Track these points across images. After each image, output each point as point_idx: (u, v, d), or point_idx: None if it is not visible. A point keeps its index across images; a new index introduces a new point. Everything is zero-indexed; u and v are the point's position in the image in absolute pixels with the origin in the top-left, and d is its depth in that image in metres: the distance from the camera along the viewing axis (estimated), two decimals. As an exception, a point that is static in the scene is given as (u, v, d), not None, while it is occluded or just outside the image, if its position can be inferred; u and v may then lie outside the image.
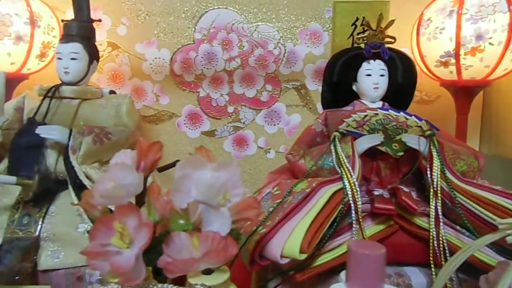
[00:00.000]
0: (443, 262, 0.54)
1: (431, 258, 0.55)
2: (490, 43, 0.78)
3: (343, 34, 0.96)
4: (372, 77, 0.70)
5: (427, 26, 0.85)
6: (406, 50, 0.80)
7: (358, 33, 0.95)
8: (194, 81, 1.03)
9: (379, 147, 0.62)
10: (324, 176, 0.61)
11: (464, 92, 0.87)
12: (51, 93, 0.73)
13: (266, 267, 0.53)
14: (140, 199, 0.42)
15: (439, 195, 0.55)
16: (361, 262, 0.38)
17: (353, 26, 0.96)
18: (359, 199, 0.55)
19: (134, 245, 0.40)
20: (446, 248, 0.54)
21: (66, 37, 0.77)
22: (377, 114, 0.63)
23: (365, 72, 0.71)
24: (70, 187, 0.63)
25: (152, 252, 0.41)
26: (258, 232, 0.52)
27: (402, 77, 0.73)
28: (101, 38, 0.99)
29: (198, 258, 0.39)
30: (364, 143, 0.62)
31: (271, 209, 0.55)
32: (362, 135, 0.64)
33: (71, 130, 0.67)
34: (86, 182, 0.62)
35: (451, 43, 0.80)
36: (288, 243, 0.48)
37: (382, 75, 0.71)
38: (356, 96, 0.75)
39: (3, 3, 0.81)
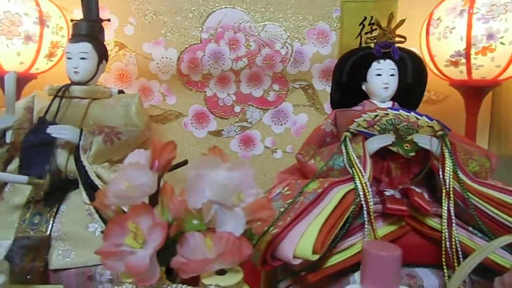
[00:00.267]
0: (455, 264, 0.53)
1: (443, 260, 0.54)
2: (501, 43, 0.78)
3: (351, 33, 0.96)
4: (382, 77, 0.70)
5: (437, 26, 0.84)
6: (414, 50, 0.79)
7: (366, 33, 0.94)
8: (201, 80, 1.03)
9: (390, 148, 0.62)
10: (334, 177, 0.60)
11: (474, 92, 0.86)
12: (61, 93, 0.73)
13: (276, 267, 0.53)
14: (154, 199, 0.42)
15: (451, 196, 0.55)
16: (376, 263, 0.38)
17: (361, 26, 0.95)
18: (371, 199, 0.54)
19: (147, 245, 0.40)
20: (459, 249, 0.53)
21: (76, 37, 0.77)
22: (387, 114, 0.63)
23: (375, 72, 0.70)
24: (81, 186, 0.63)
25: (165, 252, 0.41)
26: (269, 232, 0.52)
27: (412, 77, 0.72)
28: (108, 37, 0.99)
29: (213, 259, 0.39)
30: (375, 143, 0.61)
31: (282, 209, 0.55)
32: (373, 135, 0.63)
33: (81, 130, 0.67)
34: (97, 182, 0.62)
35: (461, 43, 0.80)
36: (300, 243, 0.48)
37: (392, 75, 0.70)
38: (365, 96, 0.75)
39: (12, 3, 0.82)
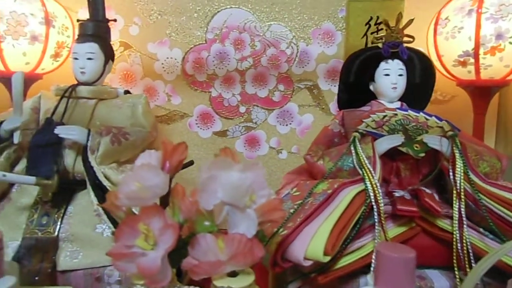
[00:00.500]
0: (466, 265, 0.53)
1: (454, 261, 0.54)
2: (510, 42, 0.77)
3: (356, 33, 0.96)
4: (391, 77, 0.69)
5: (444, 25, 0.84)
6: (421, 50, 0.78)
7: (372, 32, 0.94)
8: (206, 81, 1.03)
9: (400, 148, 0.61)
10: (343, 177, 0.60)
11: (482, 92, 0.86)
12: (68, 93, 0.72)
13: (286, 269, 0.53)
14: (165, 200, 0.42)
15: (462, 197, 0.55)
16: (390, 266, 0.37)
17: (367, 26, 0.95)
18: (382, 200, 0.54)
19: (158, 246, 0.40)
20: (470, 251, 0.53)
21: (83, 37, 0.77)
22: (396, 114, 0.63)
23: (383, 72, 0.70)
24: (89, 187, 0.63)
25: (176, 254, 0.40)
26: (279, 233, 0.51)
27: (421, 77, 0.72)
28: (113, 38, 0.98)
29: (225, 261, 0.39)
30: (384, 144, 0.61)
31: (291, 211, 0.54)
32: (382, 135, 0.63)
33: (89, 131, 0.67)
34: (105, 182, 0.61)
35: (470, 42, 0.79)
36: (311, 245, 0.48)
37: (400, 75, 0.70)
38: (372, 96, 0.74)
39: (19, 3, 0.81)
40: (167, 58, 1.02)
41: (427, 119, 0.61)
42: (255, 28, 1.01)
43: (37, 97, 0.77)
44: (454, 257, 0.54)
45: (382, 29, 0.93)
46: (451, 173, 0.56)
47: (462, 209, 0.54)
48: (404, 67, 0.70)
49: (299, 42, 1.01)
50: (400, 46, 0.69)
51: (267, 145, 1.04)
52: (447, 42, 0.84)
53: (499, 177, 0.61)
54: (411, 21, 0.70)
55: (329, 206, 0.52)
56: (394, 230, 0.56)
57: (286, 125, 1.04)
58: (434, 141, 0.59)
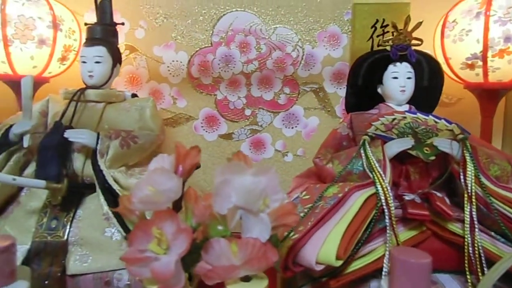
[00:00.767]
0: (478, 270, 0.53)
1: (466, 265, 0.53)
2: (519, 45, 0.77)
3: (362, 36, 0.95)
4: (399, 80, 0.69)
5: (452, 28, 0.84)
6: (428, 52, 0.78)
7: (378, 35, 0.94)
8: (212, 83, 1.03)
9: (410, 151, 0.61)
10: (353, 181, 0.60)
11: (490, 94, 0.86)
12: (77, 96, 0.73)
13: (297, 273, 0.52)
14: (177, 204, 0.42)
15: (473, 200, 0.54)
16: (406, 271, 0.37)
17: (373, 28, 0.95)
18: (393, 204, 0.54)
19: (171, 251, 0.40)
20: (482, 255, 0.53)
21: (91, 41, 0.77)
22: (405, 117, 0.62)
23: (391, 75, 0.70)
24: (98, 191, 0.62)
25: (189, 258, 0.40)
26: (290, 237, 0.51)
27: (429, 80, 0.72)
28: (119, 41, 0.99)
29: (239, 265, 0.38)
30: (394, 147, 0.61)
31: (302, 214, 0.54)
32: (391, 138, 0.63)
33: (98, 134, 0.67)
34: (115, 186, 0.61)
35: (478, 45, 0.79)
36: (323, 249, 0.47)
37: (409, 78, 0.70)
38: (380, 99, 0.74)
39: (27, 7, 0.82)
40: (173, 61, 1.02)
41: (436, 122, 0.61)
42: (261, 31, 1.01)
43: (45, 100, 0.77)
44: (466, 261, 0.53)
45: (388, 31, 0.93)
46: (461, 177, 0.56)
47: (474, 213, 0.54)
48: (412, 70, 0.70)
49: (304, 45, 1.01)
50: (408, 49, 0.69)
51: (273, 148, 1.04)
52: (454, 44, 0.83)
53: (510, 180, 0.61)
54: (419, 23, 0.70)
55: (340, 210, 0.52)
56: (404, 234, 0.56)
57: (292, 128, 1.04)
58: (445, 144, 0.59)
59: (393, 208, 0.54)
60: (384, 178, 0.55)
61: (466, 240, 0.53)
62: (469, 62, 0.82)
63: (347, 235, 0.49)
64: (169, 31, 1.01)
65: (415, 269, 0.37)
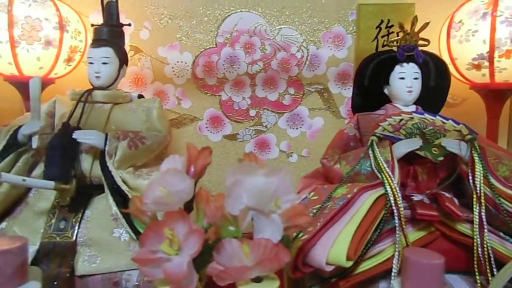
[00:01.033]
0: (487, 270, 0.52)
1: (475, 266, 0.53)
2: (526, 46, 0.77)
3: (367, 37, 0.96)
4: (406, 81, 0.69)
5: (458, 29, 0.84)
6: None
7: (383, 36, 0.94)
8: (216, 84, 1.03)
9: (418, 152, 0.61)
10: (361, 181, 0.60)
11: (496, 95, 0.86)
12: (84, 97, 0.73)
13: (307, 273, 0.52)
14: (189, 205, 0.42)
15: (482, 201, 0.54)
16: (419, 271, 0.37)
17: (378, 29, 0.95)
18: (402, 204, 0.54)
19: (182, 251, 0.40)
20: (491, 255, 0.53)
21: (98, 42, 0.77)
22: (412, 118, 0.63)
23: (398, 76, 0.70)
24: (107, 192, 0.62)
25: (200, 259, 0.40)
26: (299, 238, 0.51)
27: (436, 81, 0.72)
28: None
29: (251, 266, 0.38)
30: (402, 148, 0.61)
31: (310, 215, 0.54)
32: (399, 139, 0.63)
33: (106, 135, 0.67)
34: (123, 187, 0.61)
35: (484, 46, 0.79)
36: (333, 250, 0.47)
37: (415, 78, 0.70)
38: (386, 100, 0.74)
39: (33, 8, 0.82)
40: (177, 62, 1.02)
41: (444, 123, 0.61)
42: (265, 32, 1.01)
43: (52, 101, 0.77)
44: (475, 262, 0.53)
45: (392, 32, 0.93)
46: (470, 177, 0.56)
47: (483, 214, 0.54)
48: (419, 71, 0.70)
49: (309, 46, 1.01)
50: (415, 50, 0.69)
51: (277, 149, 1.04)
52: (461, 45, 0.83)
53: (518, 181, 0.61)
54: (426, 24, 0.70)
55: (350, 211, 0.52)
56: (413, 234, 0.56)
57: (296, 128, 1.04)
58: (453, 145, 0.59)
59: (402, 208, 0.54)
60: (392, 178, 0.55)
61: (475, 240, 0.53)
62: (476, 62, 0.82)
63: (357, 235, 0.49)
64: (174, 32, 1.01)
65: (428, 270, 0.37)
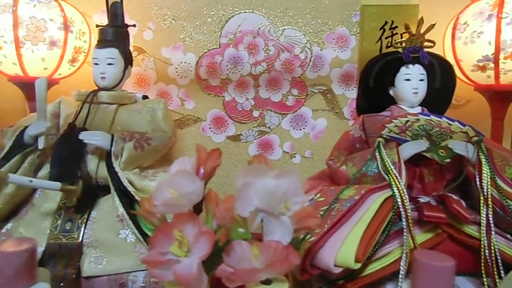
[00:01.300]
0: (495, 272, 0.52)
1: (482, 268, 0.53)
2: (531, 48, 0.77)
3: (371, 38, 0.95)
4: (412, 82, 0.69)
5: (463, 30, 0.84)
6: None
7: (387, 37, 0.94)
8: (220, 85, 1.03)
9: (425, 154, 0.61)
10: (367, 183, 0.60)
11: (500, 96, 0.86)
12: (89, 98, 0.73)
13: (315, 275, 0.52)
14: (198, 207, 0.42)
15: (489, 203, 0.54)
16: (430, 274, 0.37)
17: (382, 30, 0.95)
18: (409, 206, 0.54)
19: (192, 253, 0.40)
20: (499, 257, 0.52)
21: (103, 43, 0.77)
22: (418, 119, 0.62)
23: (404, 77, 0.70)
24: (113, 193, 0.62)
25: (209, 261, 0.40)
26: (306, 240, 0.51)
27: (441, 82, 0.72)
28: (128, 42, 0.99)
29: (261, 268, 0.38)
30: (409, 149, 0.61)
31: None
32: (405, 141, 0.63)
33: (112, 136, 0.67)
34: (130, 188, 0.61)
35: (490, 47, 0.79)
36: (341, 251, 0.47)
37: (421, 80, 0.70)
38: (391, 101, 0.74)
39: (38, 9, 0.82)
40: (181, 62, 1.02)
41: (450, 124, 0.61)
42: (269, 33, 1.01)
43: (57, 102, 0.77)
44: (482, 264, 0.53)
45: (396, 33, 0.93)
46: (477, 179, 0.56)
47: (490, 215, 0.54)
48: (425, 72, 0.70)
49: (313, 47, 1.01)
50: (421, 51, 0.69)
51: (281, 150, 1.04)
52: (466, 46, 0.84)
53: (525, 183, 0.61)
54: (432, 26, 0.70)
55: (357, 212, 0.52)
56: (420, 236, 0.56)
57: (300, 129, 1.04)
58: (460, 146, 0.59)
59: (409, 210, 0.54)
60: (400, 180, 0.55)
61: (482, 242, 0.53)
62: (481, 64, 0.82)
63: (365, 237, 0.48)
64: (177, 32, 1.01)
65: (438, 272, 0.37)
